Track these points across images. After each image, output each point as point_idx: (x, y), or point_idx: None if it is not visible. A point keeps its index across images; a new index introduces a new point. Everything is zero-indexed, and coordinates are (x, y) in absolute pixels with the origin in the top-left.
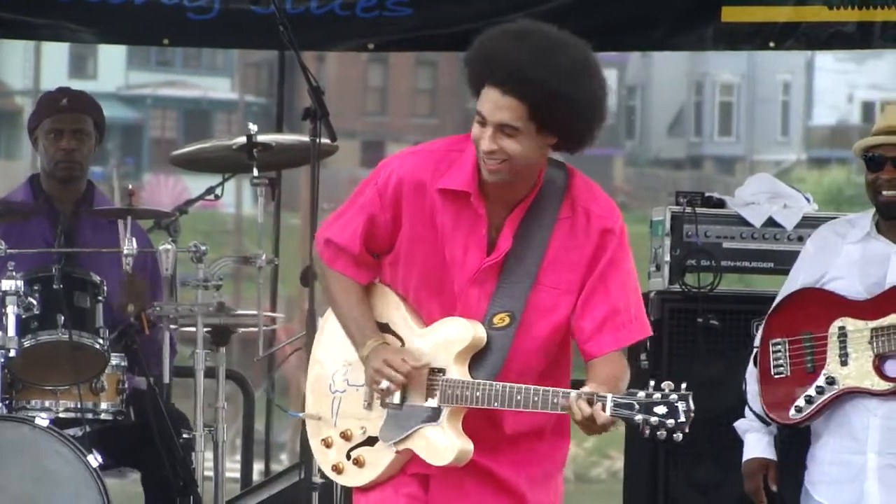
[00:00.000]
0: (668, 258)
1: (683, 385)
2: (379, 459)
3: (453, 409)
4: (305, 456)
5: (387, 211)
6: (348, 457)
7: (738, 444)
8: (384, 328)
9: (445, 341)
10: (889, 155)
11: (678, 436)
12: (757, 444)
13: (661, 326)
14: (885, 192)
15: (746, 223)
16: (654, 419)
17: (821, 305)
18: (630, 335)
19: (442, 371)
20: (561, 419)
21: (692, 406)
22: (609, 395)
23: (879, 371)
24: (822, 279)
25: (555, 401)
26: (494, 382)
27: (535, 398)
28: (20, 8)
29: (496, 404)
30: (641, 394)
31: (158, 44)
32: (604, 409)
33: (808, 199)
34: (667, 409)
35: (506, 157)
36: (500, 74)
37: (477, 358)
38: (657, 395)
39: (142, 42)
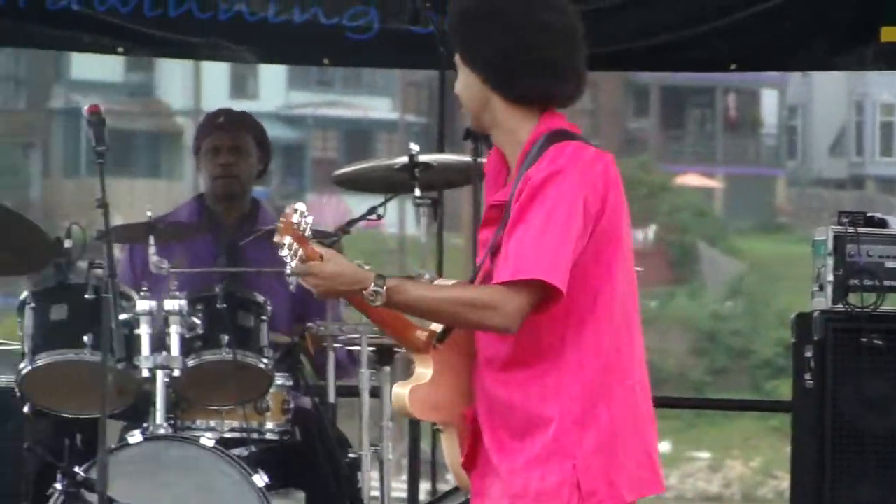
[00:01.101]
0: (831, 278)
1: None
2: None
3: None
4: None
5: None
6: None
7: None
8: None
9: None
10: None
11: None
12: None
13: (824, 346)
14: None
15: None
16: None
17: None
18: (499, 275)
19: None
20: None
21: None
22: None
23: None
24: None
25: None
26: None
27: None
28: (179, 27)
29: None
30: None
31: (318, 63)
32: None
33: None
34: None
35: (457, 91)
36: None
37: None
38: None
39: (302, 62)
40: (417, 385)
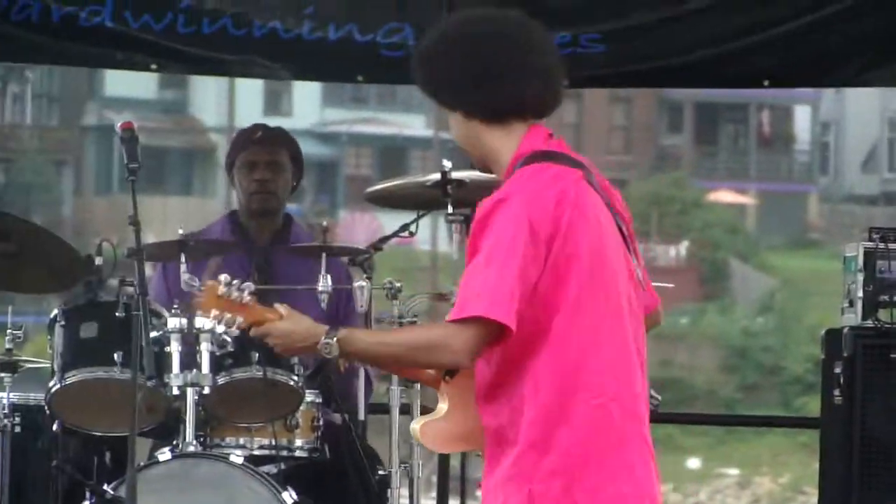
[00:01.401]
0: (861, 294)
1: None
2: None
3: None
4: None
5: None
6: None
7: None
8: None
9: None
10: None
11: None
12: None
13: (854, 362)
14: None
15: None
16: None
17: None
18: (451, 312)
19: None
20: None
21: None
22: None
23: None
24: None
25: None
26: None
27: None
28: (213, 44)
29: None
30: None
31: (352, 80)
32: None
33: None
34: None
35: (456, 139)
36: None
37: None
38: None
39: (336, 79)
40: (429, 421)
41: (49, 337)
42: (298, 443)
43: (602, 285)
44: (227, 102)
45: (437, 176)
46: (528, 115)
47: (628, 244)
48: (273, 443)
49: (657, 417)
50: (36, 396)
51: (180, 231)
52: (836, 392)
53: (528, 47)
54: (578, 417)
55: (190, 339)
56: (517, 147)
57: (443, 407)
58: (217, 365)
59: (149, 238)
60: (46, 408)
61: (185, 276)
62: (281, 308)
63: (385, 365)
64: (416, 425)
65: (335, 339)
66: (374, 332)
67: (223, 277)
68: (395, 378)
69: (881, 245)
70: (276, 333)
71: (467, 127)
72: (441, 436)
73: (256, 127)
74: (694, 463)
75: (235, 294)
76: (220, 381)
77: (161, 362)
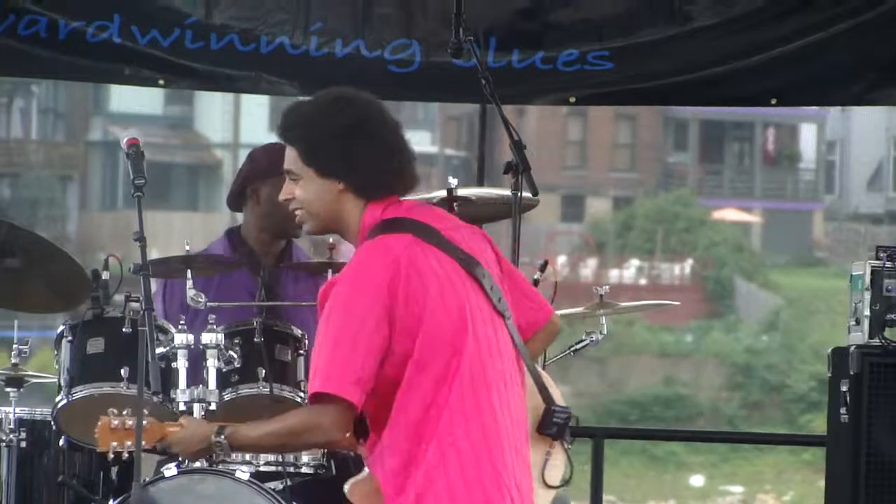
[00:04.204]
0: (867, 312)
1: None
2: None
3: None
4: None
5: None
6: None
7: None
8: None
9: None
10: None
11: None
12: None
13: (861, 380)
14: None
15: None
16: None
17: None
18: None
19: None
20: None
21: None
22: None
23: None
24: None
25: None
26: None
27: None
28: (219, 60)
29: None
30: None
31: None
32: None
33: None
34: None
35: (299, 204)
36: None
37: None
38: None
39: None
40: (357, 481)
41: (55, 352)
42: (304, 459)
43: (448, 335)
44: (232, 118)
45: (442, 193)
46: (398, 192)
47: (482, 282)
48: (279, 459)
49: (662, 435)
50: (42, 411)
51: (187, 247)
52: (843, 410)
53: (396, 129)
54: (432, 462)
55: (197, 355)
56: (362, 217)
57: (367, 469)
58: (223, 381)
59: (153, 254)
60: (53, 423)
61: (190, 293)
62: (182, 419)
63: (270, 453)
64: (347, 486)
65: (223, 438)
66: (256, 425)
67: (110, 411)
68: None
69: (888, 263)
70: (175, 442)
71: (331, 196)
72: (367, 494)
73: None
74: (697, 480)
75: (128, 423)
76: (227, 396)
77: (167, 378)
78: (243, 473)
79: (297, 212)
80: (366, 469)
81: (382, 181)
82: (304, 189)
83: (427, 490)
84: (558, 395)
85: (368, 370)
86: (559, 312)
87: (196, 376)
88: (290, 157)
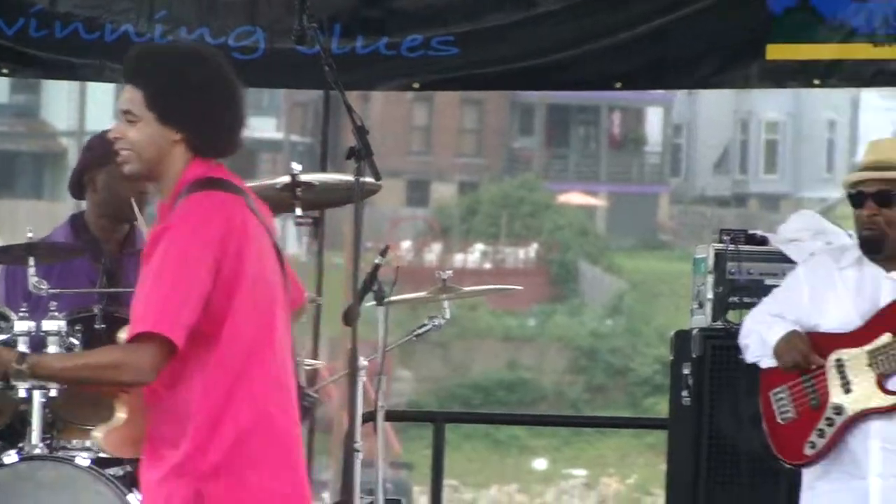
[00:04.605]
0: (711, 295)
1: None
2: None
3: None
4: (347, 494)
5: None
6: None
7: (780, 478)
8: None
9: None
10: (869, 191)
11: None
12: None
13: (703, 363)
14: (864, 231)
15: (789, 260)
16: None
17: (814, 347)
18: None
19: None
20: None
21: None
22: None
23: (884, 389)
24: (815, 311)
25: None
26: None
27: None
28: (65, 48)
29: None
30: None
31: None
32: None
33: (850, 236)
34: None
35: (129, 146)
36: (124, 66)
37: None
38: None
39: None
40: (111, 429)
41: None
42: None
43: (263, 304)
44: (78, 107)
45: (286, 179)
46: (225, 154)
47: (282, 261)
48: None
49: (504, 419)
50: None
51: (29, 234)
52: (685, 393)
53: (241, 95)
54: (243, 422)
55: (38, 342)
56: (183, 170)
57: (121, 416)
58: None
59: None
60: None
61: (33, 280)
62: None
63: (77, 384)
64: (99, 433)
65: (25, 365)
66: (63, 356)
67: None
68: None
69: (731, 247)
70: None
71: (162, 138)
72: (122, 442)
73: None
74: (541, 464)
75: None
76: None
77: None
78: (84, 460)
79: (124, 152)
80: (119, 415)
81: (217, 141)
82: (139, 132)
83: (241, 450)
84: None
85: (194, 318)
86: (402, 297)
87: None
88: (133, 99)
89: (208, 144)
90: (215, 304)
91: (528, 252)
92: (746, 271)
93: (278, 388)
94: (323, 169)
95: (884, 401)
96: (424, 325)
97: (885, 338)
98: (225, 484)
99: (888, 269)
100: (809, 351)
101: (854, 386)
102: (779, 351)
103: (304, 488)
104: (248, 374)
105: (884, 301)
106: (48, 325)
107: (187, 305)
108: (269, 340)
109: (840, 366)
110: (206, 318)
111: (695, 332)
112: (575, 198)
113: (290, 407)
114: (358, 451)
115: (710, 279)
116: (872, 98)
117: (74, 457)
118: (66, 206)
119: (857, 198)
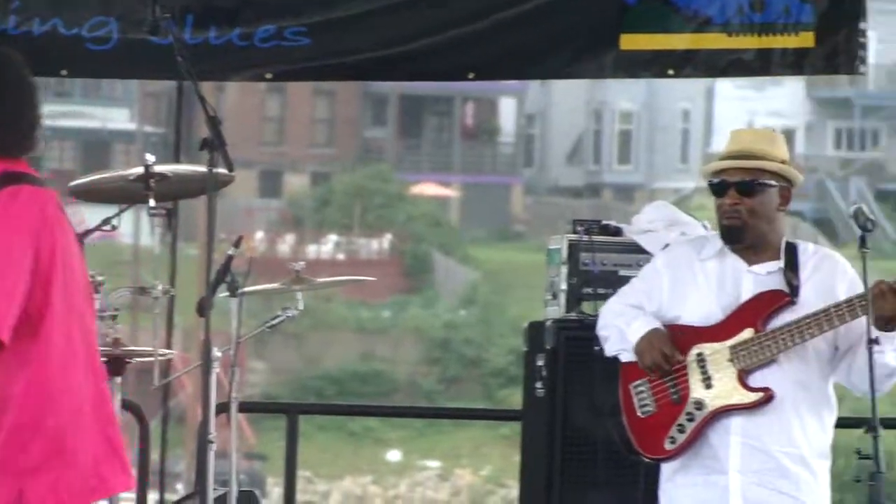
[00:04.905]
0: (564, 286)
1: None
2: None
3: None
4: (201, 485)
5: None
6: None
7: (635, 470)
8: None
9: None
10: (732, 180)
11: None
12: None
13: (557, 354)
14: (725, 220)
15: (643, 251)
16: None
17: (675, 340)
18: None
19: None
20: None
21: None
22: None
23: (745, 384)
24: (675, 303)
25: None
26: None
27: None
28: None
29: None
30: None
31: (56, 75)
32: None
33: (705, 227)
34: None
35: None
36: None
37: None
38: None
39: (40, 73)
40: None
41: None
42: None
43: (74, 300)
44: None
45: (139, 170)
46: (23, 152)
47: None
48: None
49: (358, 410)
50: None
51: None
52: (539, 385)
53: (35, 91)
54: (61, 418)
55: None
56: None
57: None
58: None
59: None
60: None
61: None
62: None
63: None
64: None
65: None
66: None
67: None
68: None
69: (585, 238)
70: None
71: None
72: None
73: None
74: (394, 455)
75: None
76: None
77: None
78: None
79: None
80: None
81: (15, 139)
82: None
83: (58, 447)
84: None
85: (17, 310)
86: (256, 288)
87: None
88: None
89: (11, 143)
90: (34, 296)
91: (382, 243)
92: (600, 262)
93: (93, 386)
94: (176, 160)
95: (745, 397)
96: (278, 315)
97: (747, 333)
98: (47, 481)
99: (749, 262)
100: (671, 350)
101: (715, 381)
102: (639, 350)
103: (114, 486)
104: (66, 371)
105: (745, 295)
106: None
107: (16, 302)
108: (81, 337)
109: (701, 360)
110: (26, 315)
111: (548, 323)
112: (428, 188)
113: (106, 403)
114: (212, 442)
115: (564, 270)
116: (727, 88)
117: None
118: None
119: (718, 186)
